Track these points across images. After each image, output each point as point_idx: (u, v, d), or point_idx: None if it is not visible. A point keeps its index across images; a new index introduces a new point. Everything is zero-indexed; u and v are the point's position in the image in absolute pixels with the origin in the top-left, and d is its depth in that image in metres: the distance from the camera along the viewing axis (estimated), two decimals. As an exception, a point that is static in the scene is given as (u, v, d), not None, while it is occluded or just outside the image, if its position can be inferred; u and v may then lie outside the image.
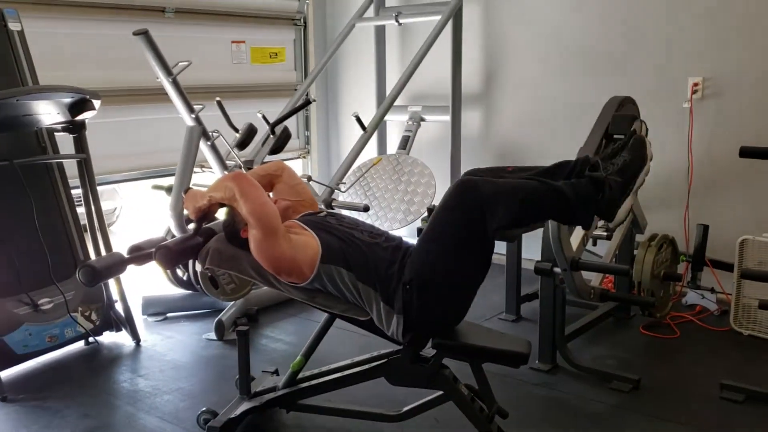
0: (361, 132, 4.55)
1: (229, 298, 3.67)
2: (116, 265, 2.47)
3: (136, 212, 8.11)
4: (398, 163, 4.97)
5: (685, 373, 3.31)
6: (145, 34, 3.56)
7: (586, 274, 3.51)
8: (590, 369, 3.27)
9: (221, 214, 2.60)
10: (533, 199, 2.25)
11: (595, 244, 3.64)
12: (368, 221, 3.82)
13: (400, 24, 5.13)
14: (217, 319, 3.83)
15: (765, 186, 4.00)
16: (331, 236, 2.42)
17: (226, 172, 3.92)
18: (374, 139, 5.37)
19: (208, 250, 2.48)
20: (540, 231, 3.36)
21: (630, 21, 4.40)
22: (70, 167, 3.75)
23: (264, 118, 4.22)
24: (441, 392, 2.53)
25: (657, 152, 4.04)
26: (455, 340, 2.42)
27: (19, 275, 3.34)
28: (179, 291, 4.00)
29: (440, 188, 4.80)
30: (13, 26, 3.59)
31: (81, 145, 3.61)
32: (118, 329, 3.78)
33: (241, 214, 2.37)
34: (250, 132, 4.10)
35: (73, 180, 3.75)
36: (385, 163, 5.01)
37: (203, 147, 3.91)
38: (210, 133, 3.90)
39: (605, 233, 3.50)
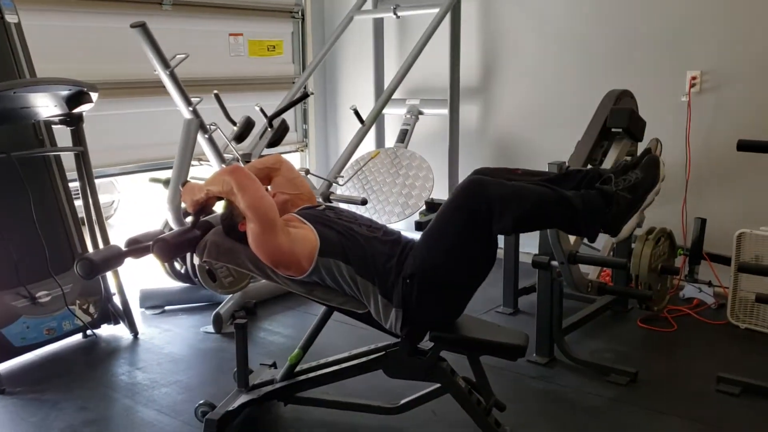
0: (359, 125, 4.54)
1: (226, 291, 3.67)
2: (114, 258, 2.47)
3: (134, 205, 8.11)
4: (396, 157, 4.97)
5: (682, 366, 3.32)
6: (142, 26, 3.55)
7: (583, 268, 3.52)
8: (587, 362, 3.27)
9: (219, 207, 2.60)
10: (542, 205, 2.24)
11: (592, 237, 3.64)
12: (366, 215, 3.81)
13: (398, 17, 5.12)
14: (215, 312, 3.83)
15: (762, 180, 4.00)
16: (329, 230, 2.42)
17: (223, 165, 3.92)
18: (372, 132, 5.36)
19: (206, 243, 2.48)
20: (538, 224, 3.37)
21: (629, 15, 4.40)
22: (68, 160, 3.74)
23: (262, 111, 4.22)
24: (438, 385, 2.54)
25: (655, 146, 4.06)
26: (453, 333, 2.42)
27: (17, 268, 3.34)
28: (177, 284, 4.00)
29: (438, 182, 4.81)
30: (10, 18, 3.57)
31: (78, 137, 3.60)
32: (116, 322, 3.78)
33: (239, 207, 2.37)
34: (248, 125, 4.10)
35: (71, 173, 3.75)
36: (383, 157, 5.01)
37: (201, 140, 3.91)
38: (207, 126, 3.89)
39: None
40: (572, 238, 3.19)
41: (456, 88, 5.01)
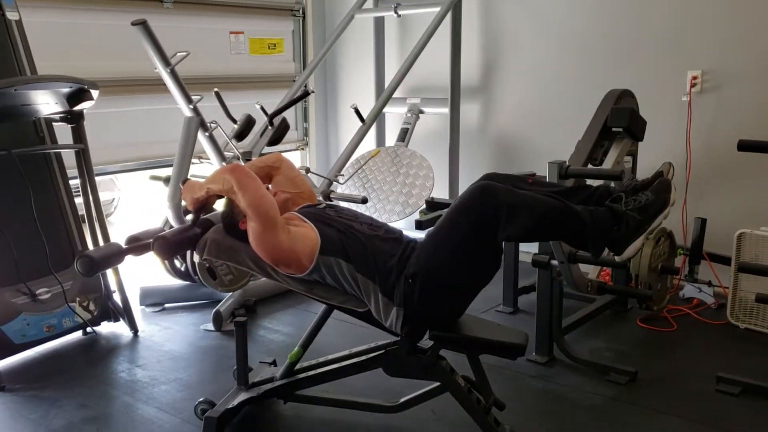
0: (360, 124, 4.54)
1: (226, 289, 3.68)
2: (114, 256, 2.47)
3: (134, 203, 8.11)
4: (397, 156, 4.97)
5: (682, 365, 3.32)
6: (143, 24, 3.55)
7: (583, 267, 3.52)
8: (587, 361, 3.27)
9: (219, 205, 2.60)
10: (550, 217, 2.25)
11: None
12: (366, 213, 3.82)
13: (399, 15, 5.12)
14: (215, 310, 3.83)
15: (763, 180, 4.00)
16: (330, 228, 2.42)
17: (224, 163, 3.92)
18: (373, 131, 5.36)
19: (206, 241, 2.48)
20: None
21: (629, 14, 4.40)
22: (68, 157, 3.74)
23: (262, 109, 4.22)
24: (438, 384, 2.54)
25: (655, 145, 4.08)
26: (452, 332, 2.42)
27: (17, 265, 3.34)
28: (177, 282, 4.01)
29: (438, 181, 4.81)
30: (11, 15, 3.58)
31: (79, 135, 3.60)
32: (116, 319, 3.78)
33: (239, 206, 2.37)
34: (248, 123, 4.10)
35: (72, 170, 3.75)
36: (383, 156, 5.01)
37: (201, 138, 3.91)
38: (208, 124, 3.89)
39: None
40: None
41: (457, 87, 5.01)
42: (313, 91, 4.74)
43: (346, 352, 2.77)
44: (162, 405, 2.97)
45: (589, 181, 3.43)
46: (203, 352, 3.55)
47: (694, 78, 4.15)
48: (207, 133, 3.90)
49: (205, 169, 4.23)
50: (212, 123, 3.91)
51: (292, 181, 2.77)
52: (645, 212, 2.33)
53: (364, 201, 3.94)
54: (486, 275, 2.38)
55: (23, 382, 3.18)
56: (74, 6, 4.24)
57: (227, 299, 3.96)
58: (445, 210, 3.49)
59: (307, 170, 4.09)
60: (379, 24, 5.49)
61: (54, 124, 3.64)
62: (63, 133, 3.67)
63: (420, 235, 2.81)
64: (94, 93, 3.45)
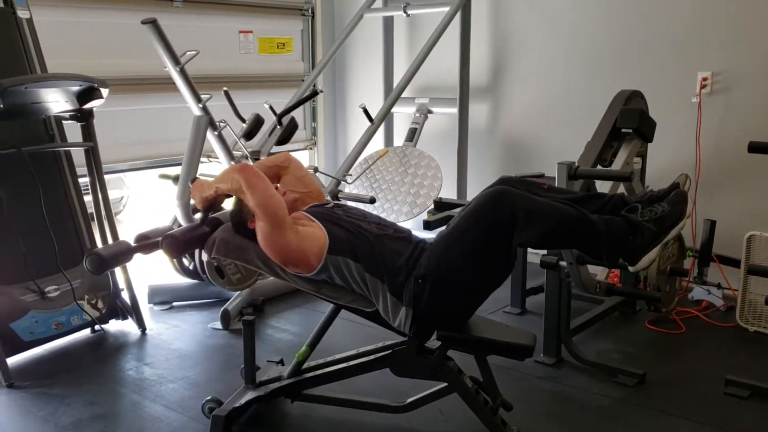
0: (368, 124, 4.54)
1: (235, 288, 3.68)
2: (123, 254, 2.48)
3: (143, 201, 8.13)
4: (405, 156, 4.97)
5: (690, 368, 3.31)
6: (153, 23, 3.55)
7: (592, 268, 3.51)
8: (595, 363, 3.26)
9: (228, 204, 2.60)
10: (566, 224, 2.24)
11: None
12: (374, 213, 3.82)
13: (408, 15, 5.12)
14: (222, 308, 3.84)
15: (773, 182, 3.98)
16: (338, 227, 2.42)
17: (232, 162, 3.93)
18: (381, 131, 5.36)
19: (215, 240, 2.48)
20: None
21: (639, 15, 4.38)
22: (78, 155, 3.75)
23: (271, 108, 4.22)
24: (445, 384, 2.54)
25: (665, 147, 4.07)
26: (460, 332, 2.42)
27: (26, 262, 3.35)
28: (185, 280, 4.02)
29: (447, 181, 4.80)
30: (22, 14, 3.59)
31: (89, 133, 3.61)
32: (124, 317, 3.79)
33: (248, 205, 2.37)
34: (257, 122, 4.11)
35: (81, 168, 3.76)
36: (391, 156, 5.01)
37: (210, 137, 3.91)
38: (217, 123, 3.90)
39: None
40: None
41: (465, 87, 5.00)
42: (321, 91, 4.75)
43: (353, 352, 2.77)
44: (170, 403, 2.97)
45: (602, 188, 3.43)
46: (211, 351, 3.56)
47: (704, 79, 4.13)
48: (216, 132, 3.91)
49: (213, 168, 4.24)
50: (221, 122, 3.91)
51: (301, 181, 2.77)
52: (661, 223, 2.32)
53: (372, 201, 3.94)
54: (497, 279, 2.37)
55: (32, 379, 3.19)
56: (84, 5, 4.26)
57: (235, 298, 3.97)
58: (454, 210, 3.50)
59: (316, 170, 4.09)
60: (388, 24, 5.49)
61: (64, 122, 3.66)
62: (73, 131, 3.68)
63: (428, 235, 2.81)
64: (104, 91, 3.46)
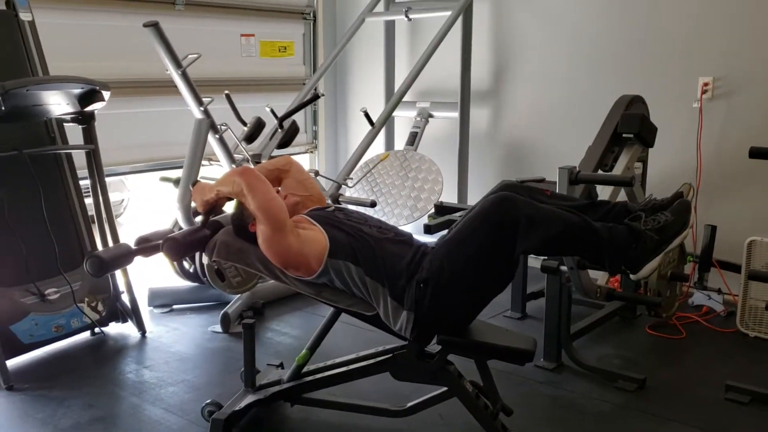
0: (369, 127, 4.54)
1: (235, 291, 3.67)
2: (123, 256, 2.48)
3: (144, 204, 8.13)
4: (406, 160, 4.97)
5: (691, 373, 3.30)
6: (155, 26, 3.56)
7: (592, 273, 3.51)
8: (595, 368, 3.26)
9: (229, 207, 2.60)
10: (569, 231, 2.24)
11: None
12: (375, 217, 3.82)
13: (410, 19, 5.13)
14: (222, 311, 3.84)
15: (774, 187, 3.98)
16: (338, 231, 2.42)
17: (233, 166, 3.93)
18: (382, 134, 5.36)
19: (216, 243, 2.48)
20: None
21: (641, 20, 4.38)
22: (79, 158, 3.75)
23: (272, 112, 4.22)
24: (445, 388, 2.53)
25: (666, 152, 4.06)
26: (461, 337, 2.41)
27: (26, 265, 3.35)
28: (186, 283, 4.01)
29: (447, 185, 4.80)
30: (24, 16, 3.59)
31: (90, 136, 3.62)
32: (124, 320, 3.79)
33: (249, 209, 2.37)
34: (259, 126, 4.11)
35: (82, 171, 3.76)
36: (392, 159, 5.01)
37: (211, 140, 3.92)
38: (218, 126, 3.90)
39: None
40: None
41: (467, 91, 5.01)
42: (323, 95, 4.75)
43: (353, 356, 2.77)
44: (169, 406, 2.97)
45: (603, 193, 3.43)
46: (211, 354, 3.55)
47: (705, 84, 4.13)
48: (217, 135, 3.91)
49: (215, 171, 4.24)
50: (222, 125, 3.92)
51: (302, 184, 2.77)
52: (664, 233, 2.32)
53: (373, 205, 3.94)
54: (499, 285, 2.37)
55: (31, 381, 3.19)
56: (86, 7, 4.26)
57: (235, 301, 3.97)
58: (455, 214, 3.50)
59: (316, 173, 4.10)
60: (390, 28, 5.49)
61: (65, 124, 3.66)
62: (74, 133, 3.68)
63: (429, 239, 2.81)
64: (106, 94, 3.46)
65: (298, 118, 4.55)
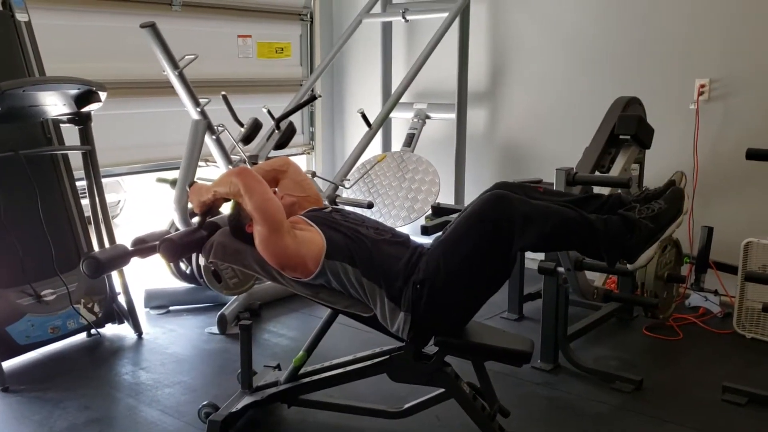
0: (366, 129, 4.54)
1: (232, 293, 3.67)
2: (120, 257, 2.47)
3: (140, 205, 8.12)
4: (403, 161, 4.97)
5: (688, 375, 3.31)
6: (152, 26, 3.55)
7: (589, 274, 3.51)
8: (592, 369, 3.26)
9: (226, 208, 2.60)
10: (564, 225, 2.25)
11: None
12: (372, 218, 3.82)
13: (407, 21, 5.13)
14: (219, 313, 3.83)
15: (770, 189, 3.99)
16: (336, 232, 2.42)
17: (230, 167, 3.92)
18: (379, 136, 5.36)
19: (213, 244, 2.48)
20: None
21: (638, 22, 4.39)
22: (75, 159, 3.75)
23: (269, 113, 4.22)
24: (443, 390, 2.53)
25: (662, 153, 4.07)
26: (458, 338, 2.41)
27: (22, 266, 3.34)
28: (182, 284, 4.01)
29: (444, 187, 4.80)
30: (21, 17, 3.59)
31: (86, 136, 3.61)
32: (121, 321, 3.78)
33: (246, 209, 2.37)
34: (255, 127, 4.11)
35: (78, 171, 3.75)
36: (389, 161, 5.01)
37: (208, 141, 3.91)
38: (215, 127, 3.90)
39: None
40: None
41: (464, 92, 5.01)
42: (320, 96, 4.75)
43: (350, 357, 2.76)
44: (165, 408, 2.96)
45: (598, 189, 3.43)
46: (207, 356, 3.55)
47: (702, 86, 4.14)
48: (214, 136, 3.91)
49: (211, 172, 4.23)
50: (219, 126, 3.91)
51: (299, 185, 2.77)
52: (658, 221, 2.33)
53: (370, 206, 3.94)
54: (496, 283, 2.37)
55: (27, 383, 3.18)
56: (83, 8, 4.26)
57: (232, 302, 3.96)
58: (452, 216, 3.50)
59: (313, 174, 4.09)
60: (387, 29, 5.49)
61: (61, 125, 3.65)
62: (70, 134, 3.68)
63: (426, 240, 2.81)
64: (102, 95, 3.46)
65: (295, 119, 4.55)
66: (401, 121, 5.47)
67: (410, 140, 5.11)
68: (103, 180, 3.77)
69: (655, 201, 2.38)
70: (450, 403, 2.52)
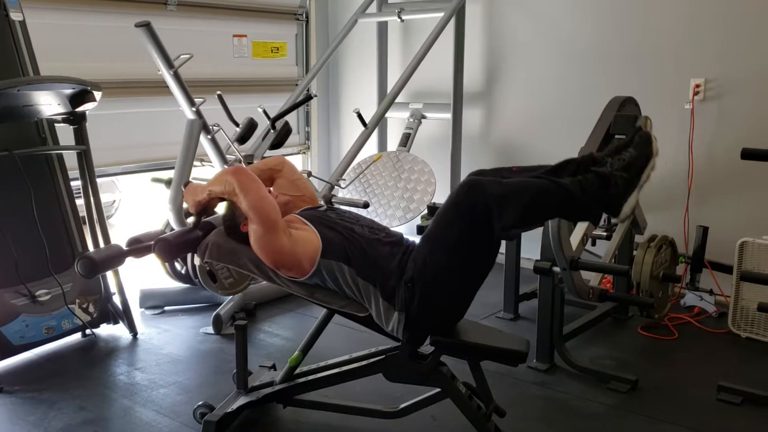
0: (362, 128, 4.54)
1: (227, 293, 3.66)
2: (115, 258, 2.46)
3: (135, 205, 8.10)
4: (398, 161, 4.97)
5: (683, 374, 3.31)
6: (147, 26, 3.55)
7: (585, 274, 3.51)
8: (588, 369, 3.26)
9: (221, 208, 2.59)
10: (540, 197, 2.25)
11: (594, 244, 3.64)
12: (367, 217, 3.81)
13: (402, 20, 5.12)
14: (214, 313, 3.82)
15: (765, 188, 3.99)
16: (331, 231, 2.42)
17: (226, 166, 3.91)
18: (375, 135, 5.35)
19: (208, 244, 2.47)
20: (539, 230, 3.36)
21: (633, 22, 4.40)
22: (70, 158, 3.74)
23: (265, 112, 4.21)
24: (438, 389, 2.53)
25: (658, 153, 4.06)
26: (454, 338, 2.41)
27: (17, 266, 3.33)
28: (177, 284, 4.00)
29: (440, 186, 4.80)
30: (15, 16, 3.57)
31: (81, 136, 3.60)
32: (116, 322, 3.77)
33: (241, 208, 2.36)
34: (251, 126, 4.10)
35: (73, 171, 3.74)
36: (385, 160, 5.01)
37: (203, 141, 3.90)
38: (210, 127, 3.89)
39: (605, 233, 3.49)
40: (574, 244, 3.18)
41: (459, 92, 5.01)
42: (315, 95, 4.75)
43: (346, 357, 2.76)
44: (161, 408, 2.95)
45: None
46: (202, 356, 3.54)
47: (697, 86, 4.14)
48: (209, 136, 3.90)
49: (206, 171, 4.23)
50: (214, 126, 3.91)
51: (294, 184, 2.76)
52: (631, 169, 2.34)
53: (366, 206, 3.93)
54: (482, 272, 2.36)
55: (22, 384, 3.17)
56: (78, 7, 4.24)
57: (227, 302, 3.95)
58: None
59: (309, 174, 4.08)
60: (383, 29, 5.49)
61: (56, 125, 3.64)
62: (65, 134, 3.67)
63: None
64: (97, 94, 3.45)
65: (291, 119, 4.54)
66: (397, 120, 5.47)
67: (406, 140, 5.11)
68: (98, 180, 3.76)
69: (625, 150, 2.39)
70: (446, 402, 2.52)
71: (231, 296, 3.94)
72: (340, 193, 4.47)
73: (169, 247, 2.44)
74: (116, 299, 3.76)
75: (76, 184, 3.75)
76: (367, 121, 4.54)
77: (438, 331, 2.40)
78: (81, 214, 3.78)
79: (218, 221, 2.56)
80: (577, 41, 4.64)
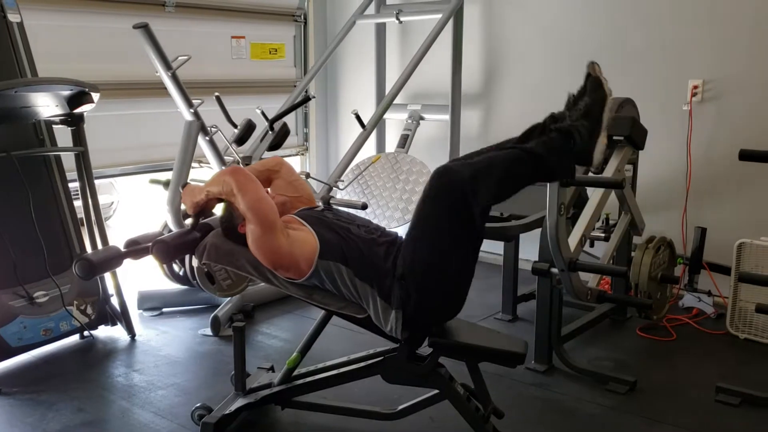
0: (360, 130, 4.54)
1: (225, 294, 3.66)
2: (113, 259, 2.46)
3: (133, 206, 8.09)
4: (397, 162, 4.96)
5: (681, 375, 3.31)
6: (145, 27, 3.55)
7: (583, 275, 3.51)
8: (586, 370, 3.26)
9: (219, 209, 2.59)
10: (509, 166, 2.28)
11: (592, 245, 3.64)
12: (364, 218, 3.81)
13: (400, 22, 5.13)
14: (213, 314, 3.82)
15: (763, 189, 4.00)
16: (328, 232, 2.42)
17: (224, 168, 3.91)
18: (373, 137, 5.36)
19: (206, 245, 2.47)
20: (538, 231, 3.36)
21: (631, 23, 4.40)
22: (68, 160, 3.73)
23: (263, 114, 4.21)
24: (437, 391, 2.53)
25: (656, 154, 4.07)
26: (452, 339, 2.41)
27: (15, 268, 3.33)
28: (175, 286, 3.99)
29: (438, 187, 4.79)
30: (13, 17, 3.57)
31: (79, 138, 3.60)
32: (114, 323, 3.77)
33: (238, 209, 2.36)
34: (249, 128, 4.10)
35: (71, 173, 3.74)
36: (383, 162, 5.01)
37: (201, 142, 3.90)
38: (208, 128, 3.89)
39: (603, 235, 3.49)
40: (572, 246, 3.18)
41: (457, 93, 5.01)
42: (313, 97, 4.74)
43: (344, 359, 2.76)
44: (159, 410, 2.95)
45: (593, 196, 3.44)
46: (201, 357, 3.54)
47: (695, 87, 4.15)
48: (207, 138, 3.90)
49: (205, 173, 4.22)
50: (213, 127, 3.90)
51: (292, 185, 2.76)
52: (590, 115, 2.38)
53: (364, 207, 3.93)
54: (470, 259, 2.36)
55: (20, 385, 3.16)
56: (76, 9, 4.24)
57: (225, 304, 3.95)
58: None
59: (307, 175, 4.08)
60: (381, 30, 5.49)
61: (54, 126, 3.64)
62: (63, 135, 3.66)
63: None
64: (95, 96, 3.44)
65: (289, 120, 4.54)
66: (395, 122, 5.47)
67: (404, 141, 5.11)
68: (96, 181, 3.76)
69: (580, 100, 2.44)
70: (444, 404, 2.52)
71: (229, 298, 3.93)
72: (339, 195, 4.46)
73: (167, 249, 2.44)
74: (114, 301, 3.76)
75: (74, 185, 3.75)
76: (365, 122, 4.54)
77: (437, 327, 2.40)
78: (79, 216, 3.78)
79: (216, 223, 2.56)
80: (575, 42, 4.64)
